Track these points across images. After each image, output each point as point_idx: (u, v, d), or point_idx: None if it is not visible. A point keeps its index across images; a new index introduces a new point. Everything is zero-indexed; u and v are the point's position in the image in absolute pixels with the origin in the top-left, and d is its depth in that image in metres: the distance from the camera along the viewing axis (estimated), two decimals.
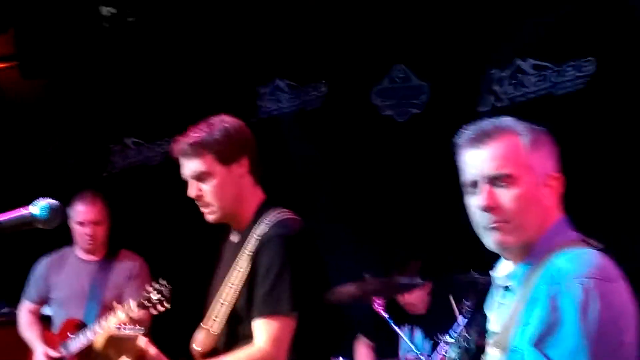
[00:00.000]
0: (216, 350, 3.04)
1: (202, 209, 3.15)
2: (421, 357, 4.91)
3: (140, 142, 7.64)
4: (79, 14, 7.12)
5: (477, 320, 2.21)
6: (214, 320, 3.06)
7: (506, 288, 2.29)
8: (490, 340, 1.84)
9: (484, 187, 2.22)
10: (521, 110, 5.79)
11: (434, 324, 5.33)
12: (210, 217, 3.15)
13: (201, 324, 3.12)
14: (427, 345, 5.36)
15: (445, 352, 3.93)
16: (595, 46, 5.56)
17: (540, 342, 2.05)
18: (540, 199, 2.22)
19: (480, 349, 2.11)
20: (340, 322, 5.88)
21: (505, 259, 2.32)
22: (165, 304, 4.16)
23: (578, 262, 2.12)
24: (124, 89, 7.47)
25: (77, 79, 7.53)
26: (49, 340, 5.17)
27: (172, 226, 6.72)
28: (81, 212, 5.26)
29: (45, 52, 7.35)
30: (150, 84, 7.34)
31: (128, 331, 2.79)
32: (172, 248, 6.77)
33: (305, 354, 3.02)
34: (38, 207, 2.51)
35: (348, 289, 5.02)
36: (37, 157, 7.61)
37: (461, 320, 4.31)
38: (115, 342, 2.74)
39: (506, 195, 2.20)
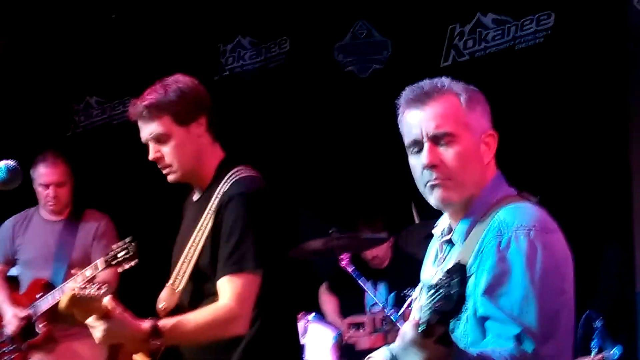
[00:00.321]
0: (180, 307, 3.06)
1: (163, 170, 3.16)
2: (385, 310, 4.99)
3: (103, 100, 7.60)
4: None
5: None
6: (178, 278, 3.09)
7: (448, 242, 2.36)
8: (426, 293, 1.89)
9: (427, 146, 2.27)
10: (482, 65, 5.85)
11: (397, 278, 5.42)
12: (171, 177, 3.16)
13: (166, 282, 3.15)
14: (391, 298, 5.45)
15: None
16: (554, 0, 5.61)
17: (490, 291, 2.12)
18: (479, 157, 2.29)
19: (463, 297, 2.16)
20: (308, 278, 5.96)
21: (447, 214, 2.39)
22: (131, 261, 4.19)
23: (521, 214, 2.20)
24: (86, 48, 7.41)
25: (38, 39, 7.45)
26: (16, 301, 5.16)
27: (137, 185, 6.72)
28: (43, 174, 5.23)
29: (6, 12, 7.27)
30: (113, 42, 7.29)
31: (92, 291, 2.79)
32: (137, 206, 6.78)
33: (270, 310, 3.05)
34: None
35: (314, 245, 5.09)
36: None
37: None
38: (80, 303, 2.74)
39: (448, 153, 2.25)
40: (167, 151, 3.11)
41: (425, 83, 2.34)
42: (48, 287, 5.05)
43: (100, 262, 4.39)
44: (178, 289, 3.08)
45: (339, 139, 6.33)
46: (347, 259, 4.99)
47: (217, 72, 7.01)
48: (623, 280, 5.28)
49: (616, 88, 5.32)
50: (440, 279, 1.86)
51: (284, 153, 6.45)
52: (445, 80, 2.34)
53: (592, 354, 3.89)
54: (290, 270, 3.21)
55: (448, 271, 1.85)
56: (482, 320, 2.15)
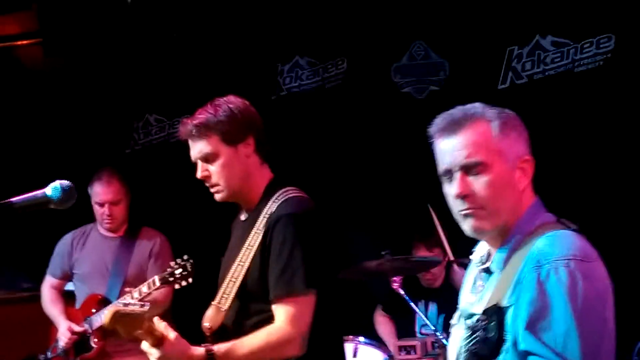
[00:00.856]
0: (225, 326, 3.09)
1: (211, 189, 3.19)
2: (436, 332, 4.96)
3: (162, 118, 7.69)
4: None
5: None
6: (224, 297, 3.11)
7: (486, 270, 2.33)
8: (464, 320, 1.88)
9: (457, 176, 2.26)
10: (540, 87, 5.80)
11: (449, 299, 5.37)
12: (217, 197, 3.19)
13: (212, 301, 3.17)
14: (441, 320, 5.42)
15: None
16: (614, 23, 5.55)
17: (532, 325, 2.09)
18: (513, 184, 2.26)
19: (501, 341, 2.15)
20: (362, 300, 5.95)
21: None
22: (188, 279, 4.22)
23: (559, 243, 2.16)
24: (147, 66, 7.51)
25: (100, 56, 7.58)
26: (71, 315, 5.24)
27: (193, 203, 6.77)
28: (98, 193, 5.31)
29: (68, 29, 7.40)
30: (173, 61, 7.38)
31: (136, 307, 2.81)
32: (192, 225, 6.83)
33: (319, 331, 3.04)
34: (51, 188, 2.56)
35: (367, 266, 5.08)
36: (59, 135, 7.67)
37: None
38: (123, 319, 2.76)
39: (479, 183, 2.23)
40: (214, 170, 3.15)
41: (457, 110, 2.32)
42: (103, 302, 5.10)
43: (157, 279, 4.44)
44: (224, 308, 3.10)
45: (395, 160, 6.31)
46: (399, 281, 4.99)
47: (275, 92, 7.05)
48: None
49: None
50: (478, 319, 1.84)
51: (340, 173, 6.45)
52: (477, 107, 2.32)
53: None
54: (338, 292, 3.20)
55: (485, 312, 1.83)
56: (524, 355, 2.12)
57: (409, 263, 5.22)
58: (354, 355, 5.01)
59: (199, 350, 2.89)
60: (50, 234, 5.70)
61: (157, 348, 2.83)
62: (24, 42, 7.77)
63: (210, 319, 3.12)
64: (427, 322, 5.10)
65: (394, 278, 4.99)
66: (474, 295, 2.36)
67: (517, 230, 2.25)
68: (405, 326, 5.61)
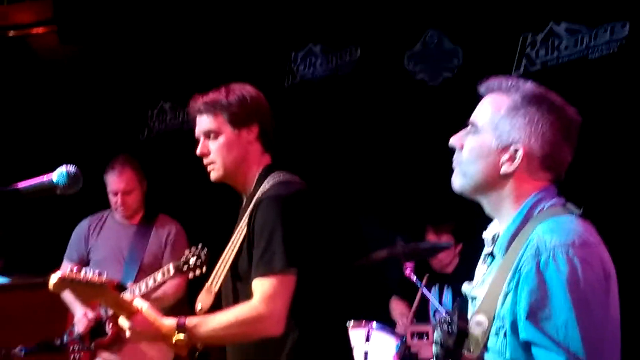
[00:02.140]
0: (215, 307, 3.14)
1: (207, 167, 3.26)
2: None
3: (177, 106, 7.71)
4: None
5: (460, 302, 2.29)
6: (215, 279, 3.17)
7: (490, 254, 2.36)
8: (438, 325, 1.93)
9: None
10: (554, 74, 5.78)
11: (462, 284, 5.39)
12: (212, 175, 3.25)
13: (205, 283, 3.24)
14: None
15: None
16: (628, 9, 5.53)
17: (532, 315, 2.10)
18: (493, 160, 2.29)
19: (463, 332, 2.19)
20: (378, 287, 5.96)
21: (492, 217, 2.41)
22: (202, 267, 4.26)
23: (558, 230, 2.16)
24: (161, 54, 7.53)
25: (114, 44, 7.60)
26: None
27: (208, 190, 6.79)
28: (111, 182, 5.35)
29: (83, 17, 7.43)
30: (187, 47, 7.39)
31: (89, 276, 2.85)
32: (207, 212, 6.86)
33: (314, 314, 3.09)
34: (57, 174, 2.59)
35: (379, 254, 5.10)
36: (74, 123, 7.70)
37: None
38: (71, 284, 2.82)
39: (466, 143, 2.33)
40: (214, 148, 3.22)
41: (503, 77, 2.37)
42: (119, 288, 5.13)
43: (171, 267, 4.47)
44: (214, 290, 3.16)
45: (409, 147, 6.32)
46: (411, 267, 5.01)
47: (288, 79, 7.06)
48: None
49: None
50: (446, 313, 1.89)
51: (353, 161, 6.46)
52: (519, 83, 2.35)
53: None
54: (339, 276, 3.23)
55: (453, 306, 1.88)
56: (526, 345, 2.13)
57: (420, 248, 5.24)
58: (367, 340, 5.03)
59: (170, 321, 2.96)
60: (69, 220, 5.74)
61: (128, 319, 2.92)
62: (39, 29, 7.80)
63: (201, 300, 3.19)
64: (439, 307, 5.12)
65: (407, 264, 5.01)
66: (478, 278, 2.39)
67: (519, 214, 2.27)
68: (418, 311, 5.62)
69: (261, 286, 2.98)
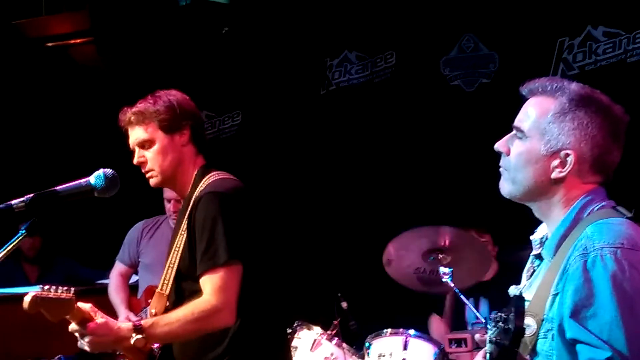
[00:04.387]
0: (168, 310, 3.18)
1: (146, 175, 3.32)
2: (487, 325, 4.91)
3: (213, 114, 7.75)
4: None
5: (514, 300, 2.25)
6: (165, 282, 3.22)
7: (539, 256, 2.34)
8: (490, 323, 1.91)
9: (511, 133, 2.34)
10: (592, 78, 5.74)
11: (499, 292, 5.32)
12: (152, 181, 3.31)
13: (155, 289, 3.29)
14: (493, 314, 5.35)
15: None
16: None
17: (577, 313, 2.09)
18: (543, 166, 2.26)
19: (520, 330, 2.16)
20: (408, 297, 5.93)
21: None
22: None
23: (607, 231, 2.14)
24: (197, 62, 7.57)
25: (150, 53, 7.65)
26: (132, 305, 5.32)
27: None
28: (165, 190, 5.39)
29: (120, 28, 7.49)
30: (223, 57, 7.43)
31: (57, 293, 2.87)
32: None
33: (254, 304, 3.14)
34: (94, 177, 2.62)
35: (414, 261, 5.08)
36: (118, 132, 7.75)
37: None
38: (44, 303, 2.84)
39: (514, 147, 2.30)
40: (150, 156, 3.27)
41: (547, 79, 2.33)
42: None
43: None
44: (165, 293, 3.20)
45: (445, 152, 6.31)
46: (449, 274, 4.96)
47: (324, 87, 7.07)
48: None
49: None
50: (501, 310, 1.86)
51: (389, 167, 6.46)
52: (564, 84, 2.31)
53: None
54: (276, 269, 3.29)
55: (508, 304, 1.85)
56: (571, 343, 2.12)
57: None
58: (404, 348, 4.98)
59: (126, 324, 2.99)
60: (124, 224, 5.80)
61: (83, 326, 2.92)
62: (77, 40, 7.87)
63: (154, 305, 3.24)
64: (478, 314, 5.07)
65: (444, 270, 4.97)
66: (525, 281, 2.38)
67: (568, 216, 2.25)
68: (456, 319, 5.58)
69: (210, 280, 3.04)
